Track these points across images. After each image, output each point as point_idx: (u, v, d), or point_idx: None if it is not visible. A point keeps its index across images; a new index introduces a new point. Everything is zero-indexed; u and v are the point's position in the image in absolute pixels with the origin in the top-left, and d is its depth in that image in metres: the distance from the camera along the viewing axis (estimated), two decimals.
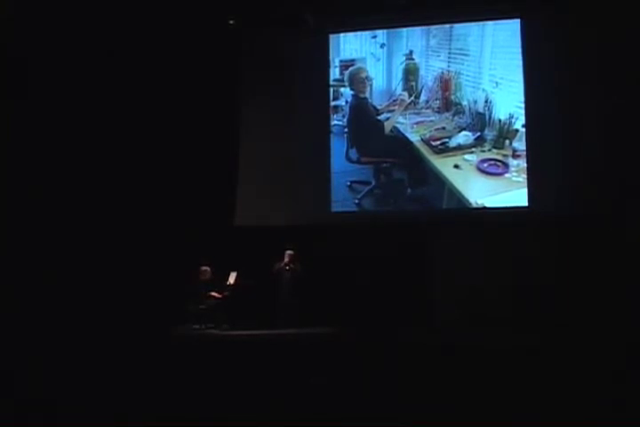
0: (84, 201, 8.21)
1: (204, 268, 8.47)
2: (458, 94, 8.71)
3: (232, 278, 8.47)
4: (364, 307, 8.17)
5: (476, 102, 8.61)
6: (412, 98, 8.87)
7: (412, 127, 8.86)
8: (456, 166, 8.59)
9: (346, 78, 9.17)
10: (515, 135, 8.45)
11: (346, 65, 9.17)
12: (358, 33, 9.11)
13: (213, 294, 8.41)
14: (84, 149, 8.20)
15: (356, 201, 9.00)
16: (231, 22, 8.96)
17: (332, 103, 9.19)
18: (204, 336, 7.86)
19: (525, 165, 8.38)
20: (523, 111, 8.41)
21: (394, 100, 8.95)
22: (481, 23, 8.62)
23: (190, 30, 8.66)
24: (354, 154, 9.06)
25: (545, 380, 4.18)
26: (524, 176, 8.37)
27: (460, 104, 8.69)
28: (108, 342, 5.97)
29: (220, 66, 9.04)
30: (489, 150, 8.56)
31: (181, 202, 8.80)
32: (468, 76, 8.68)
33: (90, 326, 6.91)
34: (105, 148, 8.39)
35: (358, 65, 9.13)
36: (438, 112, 8.81)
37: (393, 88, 8.99)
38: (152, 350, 5.65)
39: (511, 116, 8.46)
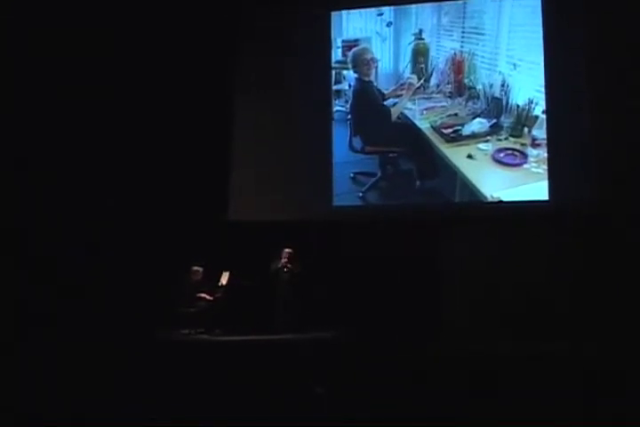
0: (64, 193, 8.25)
1: (195, 268, 8.44)
2: (472, 77, 8.67)
3: (224, 279, 8.43)
4: (370, 310, 8.16)
5: (491, 86, 8.56)
6: (422, 81, 8.84)
7: (422, 114, 8.84)
8: (469, 156, 8.56)
9: (349, 60, 9.12)
10: (534, 122, 8.40)
11: (349, 45, 9.13)
12: (363, 10, 9.09)
13: (204, 295, 8.37)
14: (62, 135, 8.23)
15: (360, 194, 8.99)
16: None
17: (334, 87, 9.17)
18: (194, 342, 7.86)
19: (546, 154, 8.33)
20: (543, 96, 8.32)
21: (401, 84, 8.92)
22: None
23: (184, 10, 8.66)
24: (358, 143, 9.03)
25: (563, 389, 4.22)
26: (545, 167, 8.31)
27: (475, 88, 8.65)
28: (89, 347, 5.98)
29: (214, 48, 8.99)
30: (506, 139, 8.52)
31: (169, 195, 8.77)
32: (483, 57, 8.63)
33: (70, 330, 6.95)
34: (85, 134, 8.39)
35: (363, 45, 9.09)
36: (450, 97, 8.77)
37: (401, 71, 8.97)
38: (136, 358, 5.65)
39: (530, 102, 8.40)
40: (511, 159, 8.46)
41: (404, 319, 7.93)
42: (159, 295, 8.17)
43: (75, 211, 8.26)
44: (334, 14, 9.13)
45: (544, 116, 8.35)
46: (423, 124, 8.81)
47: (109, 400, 4.22)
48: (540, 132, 8.39)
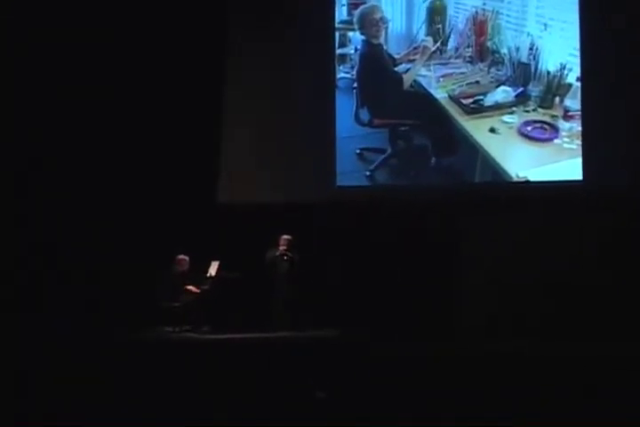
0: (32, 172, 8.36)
1: (180, 256, 8.43)
2: (496, 40, 8.62)
3: (213, 269, 8.42)
4: (377, 305, 8.18)
5: (518, 50, 8.51)
6: (438, 44, 8.81)
7: (438, 81, 8.81)
8: (492, 130, 8.53)
9: (355, 20, 9.07)
10: (567, 91, 8.36)
11: (355, 3, 9.08)
12: None
13: (190, 288, 8.38)
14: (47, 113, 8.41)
15: (368, 173, 8.97)
16: None
17: (338, 51, 9.16)
18: (179, 341, 7.88)
19: (580, 128, 8.31)
20: (578, 61, 8.31)
21: (415, 48, 8.90)
22: None
23: None
24: (365, 115, 9.00)
25: (593, 398, 4.25)
26: (579, 142, 8.30)
27: (499, 52, 8.62)
28: (62, 347, 6.04)
29: (204, 6, 8.94)
30: (534, 110, 8.48)
31: (150, 173, 8.74)
32: (508, 16, 8.56)
33: (41, 328, 7.07)
34: (66, 109, 8.51)
35: (371, 3, 9.05)
36: (470, 62, 8.75)
37: (414, 32, 8.93)
38: (114, 359, 5.64)
39: (563, 67, 8.37)
40: (540, 133, 8.43)
41: (415, 315, 7.96)
42: (139, 288, 8.23)
43: (54, 195, 8.43)
44: None
45: (578, 84, 8.32)
46: (439, 94, 8.77)
47: (87, 406, 4.26)
48: (573, 103, 8.35)
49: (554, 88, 8.39)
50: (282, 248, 8.46)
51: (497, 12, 8.58)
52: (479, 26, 8.63)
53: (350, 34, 9.11)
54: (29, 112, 8.35)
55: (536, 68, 8.44)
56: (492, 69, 8.63)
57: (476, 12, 8.65)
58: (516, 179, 8.41)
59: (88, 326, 7.41)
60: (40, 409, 4.18)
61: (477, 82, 8.69)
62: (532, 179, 8.40)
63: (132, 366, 5.37)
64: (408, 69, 8.88)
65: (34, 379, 4.78)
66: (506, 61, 8.57)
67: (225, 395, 4.38)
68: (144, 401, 4.30)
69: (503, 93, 8.57)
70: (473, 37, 8.68)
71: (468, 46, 8.71)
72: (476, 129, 8.54)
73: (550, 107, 8.42)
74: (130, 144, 8.73)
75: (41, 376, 4.86)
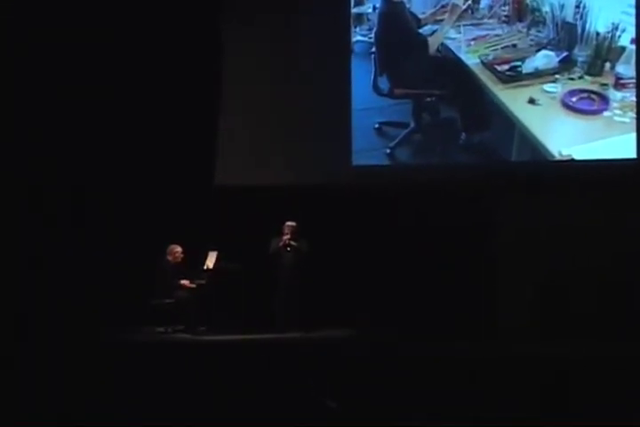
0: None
1: (173, 246, 8.49)
2: None
3: (211, 261, 8.49)
4: (396, 302, 8.21)
5: (562, 7, 8.43)
6: (470, 2, 8.75)
7: (469, 45, 8.79)
8: (532, 101, 8.50)
9: None
10: (619, 55, 8.31)
11: None
12: None
13: (184, 282, 8.43)
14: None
15: (388, 151, 8.99)
16: None
17: (354, 10, 9.16)
18: (172, 343, 7.97)
19: (634, 98, 8.26)
20: (633, 19, 8.21)
21: (442, 6, 8.86)
22: None
23: None
24: (384, 83, 9.04)
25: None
26: (632, 115, 8.24)
27: (540, 10, 8.55)
28: (40, 348, 6.23)
29: None
30: (580, 78, 8.46)
31: (143, 154, 8.81)
32: None
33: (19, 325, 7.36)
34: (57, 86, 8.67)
35: None
36: (507, 23, 8.71)
37: None
38: (98, 362, 5.68)
39: (615, 28, 8.28)
40: (587, 104, 8.41)
41: (440, 314, 7.97)
42: (127, 282, 8.31)
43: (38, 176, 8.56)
44: None
45: (633, 47, 8.25)
46: (471, 59, 8.77)
47: (77, 407, 4.29)
48: (626, 69, 8.31)
49: (604, 52, 8.34)
50: (285, 237, 8.50)
51: None
52: None
53: None
54: (28, 97, 8.55)
55: (583, 29, 8.39)
56: (532, 31, 8.59)
57: None
58: (558, 157, 8.39)
59: (72, 323, 7.62)
60: (31, 409, 4.23)
61: (514, 45, 8.67)
62: (577, 157, 8.39)
63: (118, 370, 5.39)
64: (434, 31, 8.87)
65: (31, 379, 4.87)
66: (548, 21, 8.52)
67: (222, 402, 4.37)
68: (131, 409, 4.27)
69: (544, 59, 8.54)
70: None
71: (504, 4, 8.68)
72: (513, 100, 8.54)
73: (599, 74, 8.38)
74: (123, 125, 8.84)
75: (35, 376, 4.95)
